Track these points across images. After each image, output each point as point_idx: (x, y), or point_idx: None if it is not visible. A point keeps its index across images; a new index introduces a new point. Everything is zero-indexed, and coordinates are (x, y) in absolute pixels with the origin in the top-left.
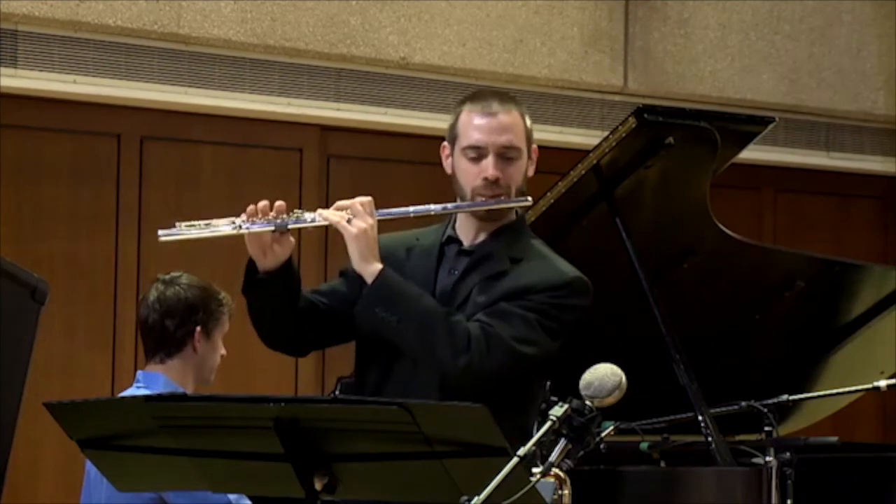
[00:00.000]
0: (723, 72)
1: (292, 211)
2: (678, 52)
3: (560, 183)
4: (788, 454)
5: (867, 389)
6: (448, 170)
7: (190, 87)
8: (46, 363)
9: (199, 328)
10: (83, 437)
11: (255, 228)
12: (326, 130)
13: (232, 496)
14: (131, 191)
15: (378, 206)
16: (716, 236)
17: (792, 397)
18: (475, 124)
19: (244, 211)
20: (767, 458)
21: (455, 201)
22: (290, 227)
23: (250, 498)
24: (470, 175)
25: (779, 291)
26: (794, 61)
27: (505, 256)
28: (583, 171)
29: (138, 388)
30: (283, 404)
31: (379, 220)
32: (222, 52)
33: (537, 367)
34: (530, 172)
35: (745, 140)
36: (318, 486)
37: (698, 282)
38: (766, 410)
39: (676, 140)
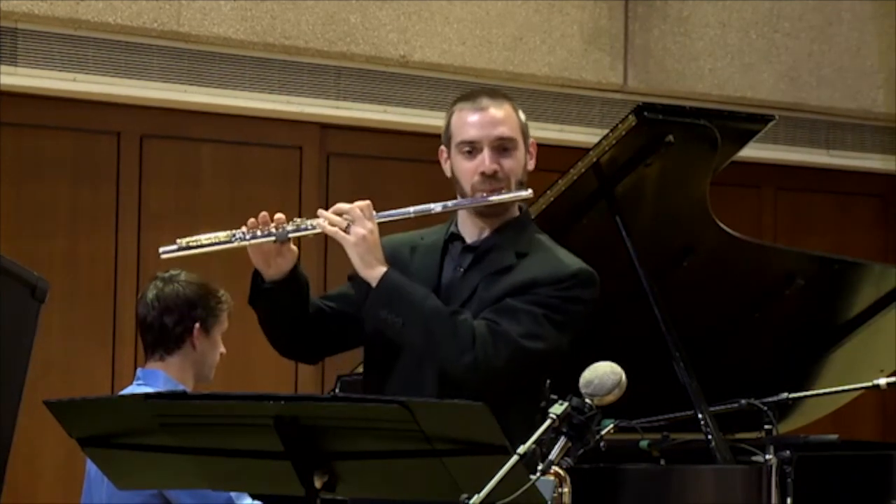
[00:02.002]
0: (723, 70)
1: (292, 220)
2: (678, 50)
3: (560, 181)
4: (788, 452)
5: (867, 388)
6: (448, 173)
7: (190, 85)
8: (46, 361)
9: (197, 325)
10: (83, 435)
11: (256, 240)
12: (326, 128)
13: (231, 494)
14: (131, 189)
15: (378, 203)
16: (716, 234)
17: (792, 395)
18: (468, 121)
19: (245, 211)
20: (767, 457)
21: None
22: (290, 236)
23: (253, 496)
24: (467, 171)
25: (779, 290)
26: (794, 59)
27: (510, 250)
28: (583, 169)
29: (138, 385)
30: (283, 402)
31: (379, 223)
32: (222, 50)
33: (546, 362)
34: (530, 166)
35: (745, 138)
36: (318, 484)
37: (698, 280)
38: (765, 408)
39: (676, 138)
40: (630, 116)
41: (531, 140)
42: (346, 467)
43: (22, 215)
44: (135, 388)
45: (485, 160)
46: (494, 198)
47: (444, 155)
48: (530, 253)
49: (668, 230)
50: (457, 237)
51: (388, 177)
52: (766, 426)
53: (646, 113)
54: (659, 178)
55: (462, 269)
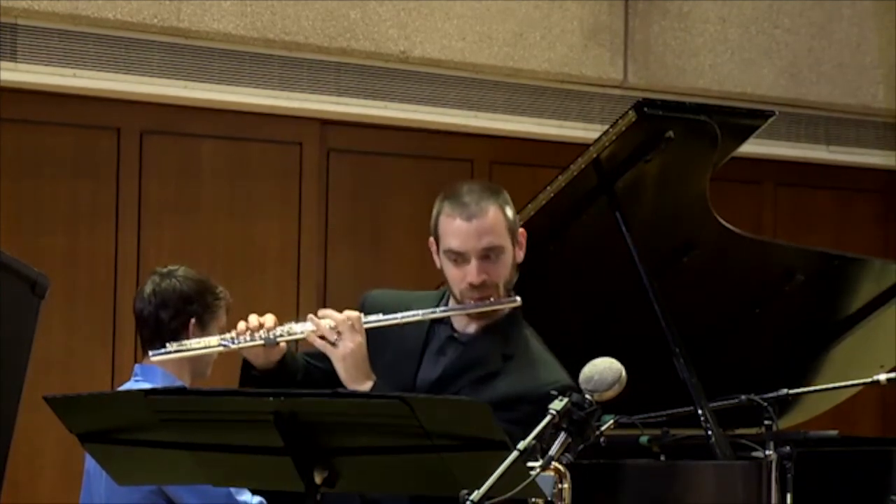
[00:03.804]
0: (723, 66)
1: (282, 324)
2: (678, 46)
3: (560, 177)
4: (788, 448)
5: (867, 383)
6: (437, 265)
7: (190, 81)
8: (46, 357)
9: (193, 320)
10: (83, 430)
11: (246, 345)
12: (326, 124)
13: (231, 489)
14: (131, 185)
15: (378, 200)
16: (716, 230)
17: (792, 391)
18: (454, 228)
19: (245, 207)
20: (767, 452)
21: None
22: (278, 341)
23: (254, 491)
24: (455, 278)
25: (779, 285)
26: (794, 55)
27: (497, 353)
28: (583, 165)
29: (137, 381)
30: (282, 398)
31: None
32: (222, 46)
33: None
34: (519, 258)
35: (745, 134)
36: (318, 479)
37: (698, 276)
38: (765, 404)
39: (676, 134)
40: (630, 112)
41: (520, 232)
42: (346, 463)
43: (22, 211)
44: (133, 384)
45: (472, 272)
46: (481, 307)
47: (434, 248)
48: (517, 356)
49: (668, 226)
50: (444, 321)
51: (388, 172)
52: (766, 422)
53: (646, 109)
54: (659, 174)
55: (444, 361)
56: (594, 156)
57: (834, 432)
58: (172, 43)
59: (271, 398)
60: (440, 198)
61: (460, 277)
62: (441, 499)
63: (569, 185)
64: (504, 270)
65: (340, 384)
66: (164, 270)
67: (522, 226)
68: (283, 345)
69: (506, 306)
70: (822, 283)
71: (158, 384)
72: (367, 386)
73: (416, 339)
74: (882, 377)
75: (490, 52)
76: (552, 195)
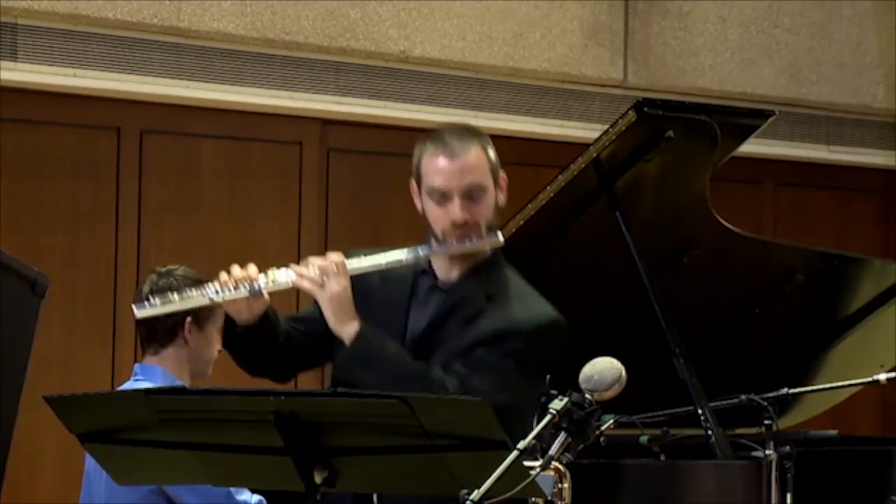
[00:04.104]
0: (723, 65)
1: (265, 272)
2: (678, 46)
3: (560, 177)
4: (788, 447)
5: (867, 383)
6: (419, 208)
7: (190, 80)
8: (46, 357)
9: (189, 319)
10: (83, 430)
11: (230, 296)
12: (326, 124)
13: (230, 488)
14: (131, 184)
15: (378, 199)
16: (716, 230)
17: (792, 391)
18: (437, 167)
19: (245, 206)
20: (767, 452)
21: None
22: (263, 291)
23: (255, 491)
24: (438, 218)
25: (779, 285)
26: (794, 55)
27: (481, 295)
28: (583, 165)
29: (136, 381)
30: (282, 398)
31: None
32: (222, 46)
33: (520, 412)
34: (501, 202)
35: (745, 134)
36: (318, 479)
37: (698, 275)
38: (765, 404)
39: (676, 134)
40: (630, 112)
41: (501, 175)
42: (346, 463)
43: (22, 211)
44: (133, 384)
45: (455, 210)
46: (463, 247)
47: (415, 190)
48: (501, 295)
49: (668, 226)
50: (427, 272)
51: (388, 172)
52: (766, 421)
53: (646, 108)
54: (659, 174)
55: (431, 311)
56: (594, 155)
57: (834, 432)
58: (173, 43)
59: (271, 398)
60: (421, 141)
61: (443, 217)
62: (441, 499)
63: (569, 184)
64: (486, 211)
65: (322, 345)
66: (163, 270)
67: (523, 225)
68: (266, 296)
69: (488, 244)
70: (822, 283)
71: (158, 384)
72: (353, 326)
73: (400, 292)
74: (882, 377)
75: (490, 52)
76: (552, 195)
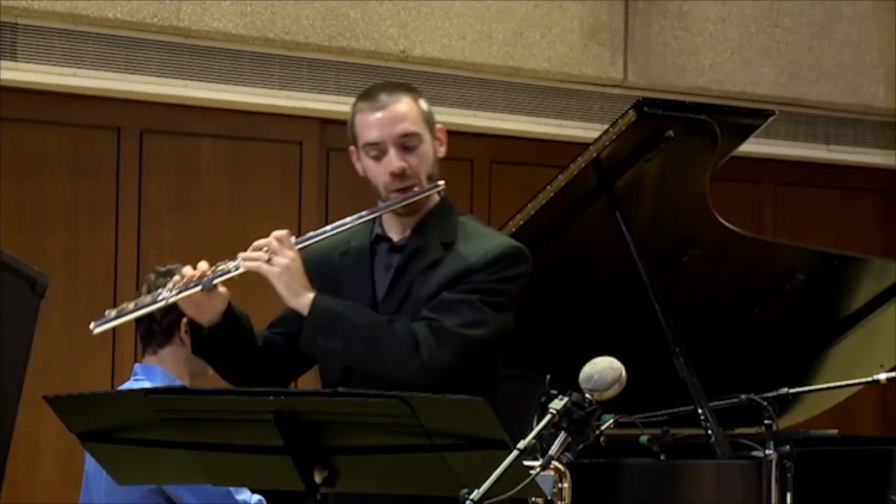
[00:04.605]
0: (723, 65)
1: (215, 266)
2: (678, 45)
3: (560, 176)
4: (788, 447)
5: (867, 382)
6: (360, 172)
7: (189, 80)
8: (46, 356)
9: (185, 319)
10: (83, 430)
11: (182, 294)
12: (326, 123)
13: (230, 487)
14: (131, 184)
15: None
16: (715, 229)
17: (792, 390)
18: (369, 121)
19: (245, 206)
20: (767, 451)
21: (374, 203)
22: (215, 281)
23: (255, 490)
24: (377, 173)
25: (779, 285)
26: (794, 54)
27: (436, 244)
28: (582, 165)
29: (136, 381)
30: (282, 397)
31: (300, 247)
32: (222, 46)
33: (493, 345)
34: (441, 153)
35: (745, 133)
36: (317, 478)
37: (698, 275)
38: (765, 403)
39: (676, 133)
40: (630, 111)
41: (438, 126)
42: (346, 462)
43: (21, 211)
44: (133, 384)
45: (392, 160)
46: (407, 199)
47: (355, 155)
48: (457, 240)
49: (668, 225)
50: (382, 238)
51: None
52: (766, 421)
53: (646, 108)
54: (659, 174)
55: (392, 270)
56: (594, 155)
57: (834, 432)
58: (172, 42)
59: (271, 397)
60: (353, 104)
61: (382, 171)
62: (441, 499)
63: (569, 184)
64: (424, 161)
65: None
66: (162, 269)
67: (523, 225)
68: (223, 290)
69: (430, 192)
70: (822, 283)
71: (158, 383)
72: (308, 298)
73: (360, 263)
74: (882, 377)
75: (490, 52)
76: (552, 194)
